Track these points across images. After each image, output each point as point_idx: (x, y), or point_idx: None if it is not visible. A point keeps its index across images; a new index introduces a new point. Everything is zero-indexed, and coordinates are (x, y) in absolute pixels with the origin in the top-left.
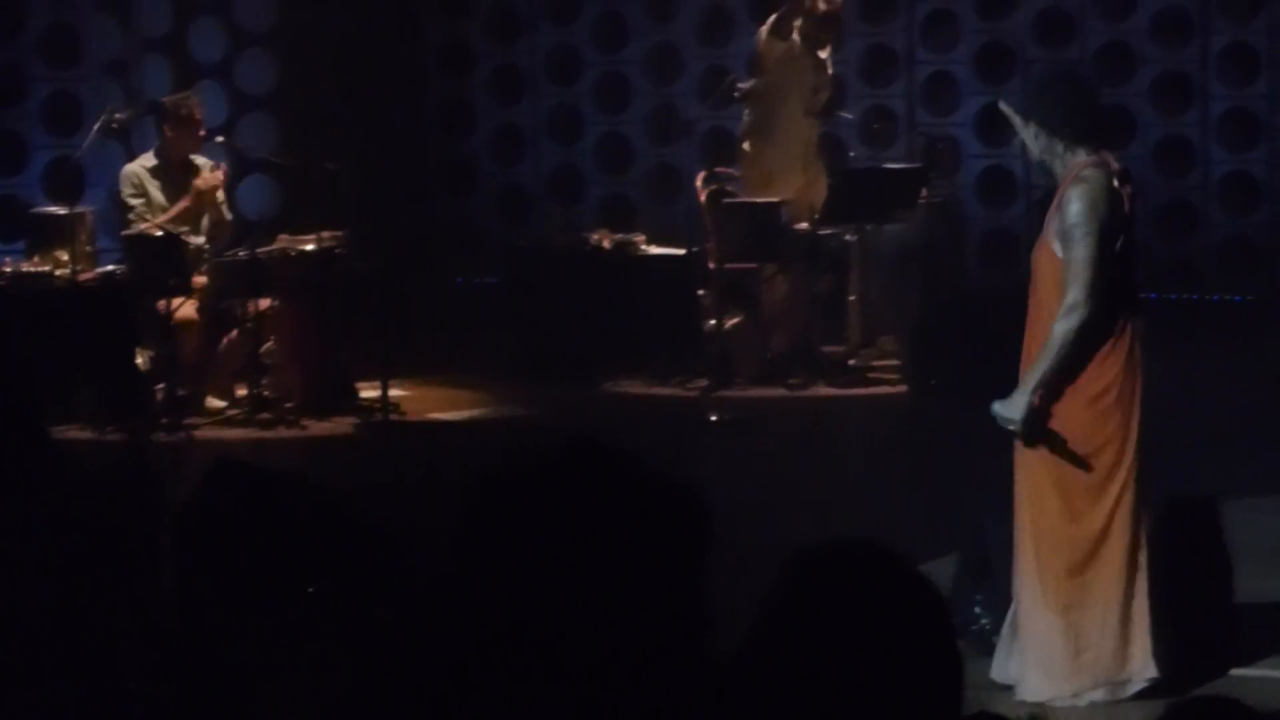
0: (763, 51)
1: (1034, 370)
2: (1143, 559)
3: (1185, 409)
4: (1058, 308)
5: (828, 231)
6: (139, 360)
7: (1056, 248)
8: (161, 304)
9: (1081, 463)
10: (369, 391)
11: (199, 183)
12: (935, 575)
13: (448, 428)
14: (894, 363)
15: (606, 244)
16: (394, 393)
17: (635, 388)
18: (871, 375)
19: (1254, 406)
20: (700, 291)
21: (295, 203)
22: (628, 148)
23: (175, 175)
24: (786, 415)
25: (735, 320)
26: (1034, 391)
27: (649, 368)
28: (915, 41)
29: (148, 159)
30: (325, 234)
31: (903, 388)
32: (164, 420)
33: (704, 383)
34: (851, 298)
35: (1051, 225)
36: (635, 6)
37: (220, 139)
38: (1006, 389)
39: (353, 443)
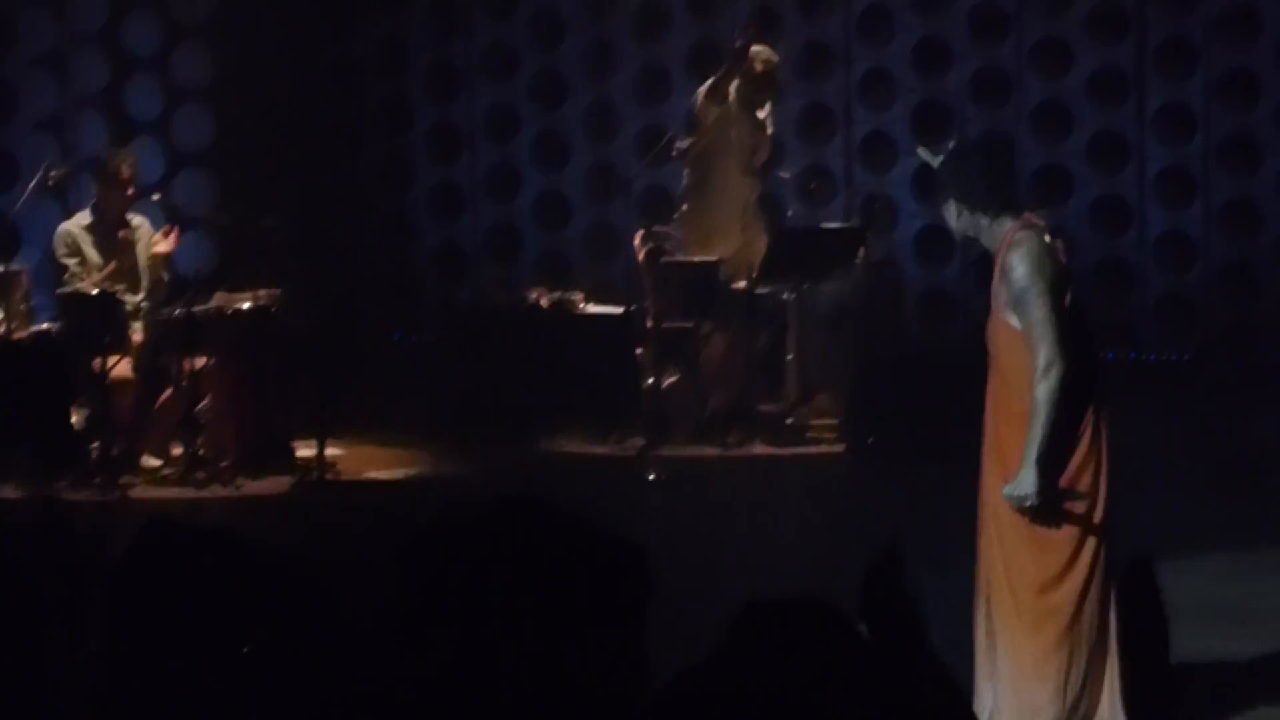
0: (700, 113)
1: (1030, 442)
2: (1113, 615)
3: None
4: (1021, 379)
5: (765, 290)
6: (74, 418)
7: (1011, 319)
8: (97, 362)
9: (1057, 519)
10: (305, 450)
11: (145, 250)
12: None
13: (384, 486)
14: (831, 421)
15: (544, 302)
16: (330, 451)
17: (572, 446)
18: (809, 434)
19: (1189, 465)
20: (638, 349)
21: (232, 260)
22: (565, 206)
23: (110, 233)
24: (724, 474)
25: (673, 379)
26: (1037, 463)
27: (586, 426)
28: (852, 100)
29: (83, 217)
30: (262, 291)
31: (840, 446)
32: (98, 479)
33: (641, 441)
34: (789, 356)
35: (1000, 298)
36: (573, 64)
37: (156, 196)
38: (944, 448)
39: (288, 502)
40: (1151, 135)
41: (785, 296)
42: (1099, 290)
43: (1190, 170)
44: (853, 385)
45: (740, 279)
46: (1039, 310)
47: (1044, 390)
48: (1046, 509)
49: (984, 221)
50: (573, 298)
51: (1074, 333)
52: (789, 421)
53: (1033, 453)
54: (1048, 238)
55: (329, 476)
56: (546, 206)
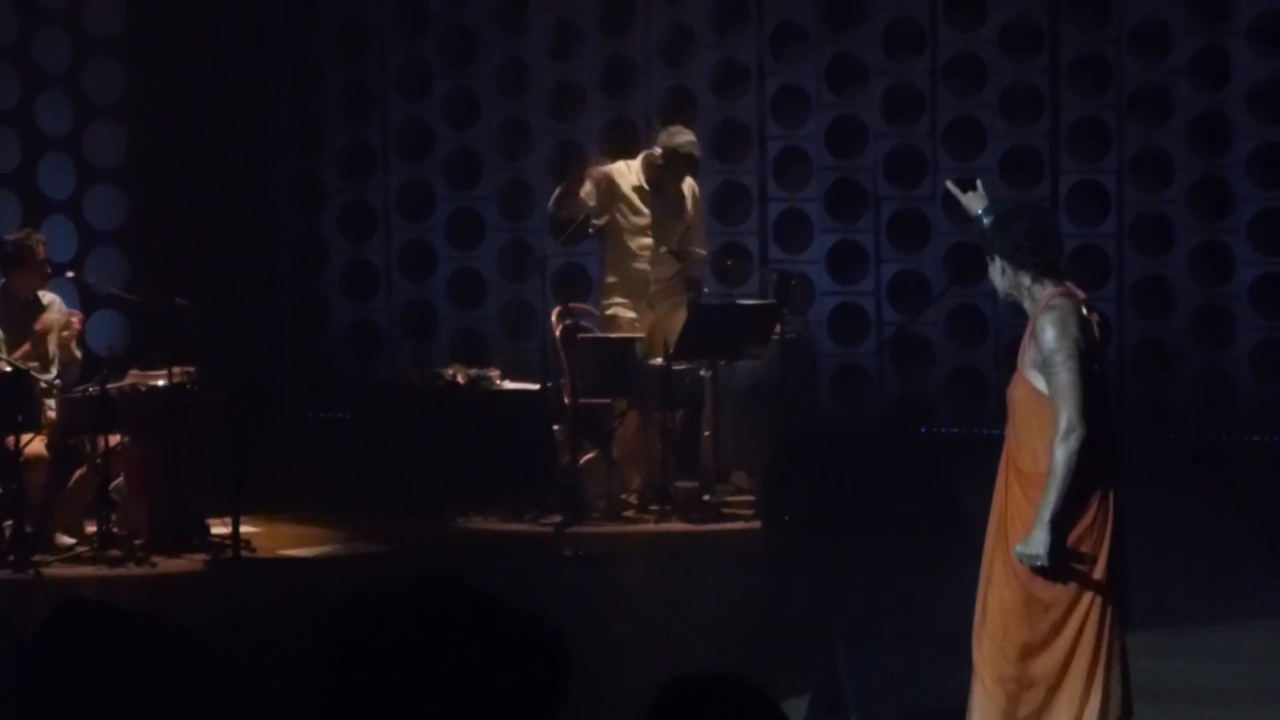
0: (618, 192)
1: (1045, 503)
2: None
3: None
4: (1036, 441)
5: (682, 367)
6: None
7: (1036, 380)
8: (10, 440)
9: (1054, 583)
10: (220, 528)
11: (57, 328)
12: (789, 712)
13: (300, 564)
14: (747, 498)
15: (461, 379)
16: (245, 529)
17: (489, 523)
18: (725, 510)
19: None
20: (555, 427)
21: (145, 338)
22: (480, 283)
23: (22, 313)
24: (641, 550)
25: (589, 455)
26: (1050, 523)
27: (503, 503)
28: (767, 178)
29: None
30: (176, 369)
31: (756, 523)
32: (12, 557)
33: (558, 518)
34: (706, 433)
35: (1026, 357)
36: (488, 143)
37: (70, 274)
38: (858, 523)
39: (203, 580)
40: (1065, 211)
41: (702, 373)
42: (1014, 368)
43: (1104, 248)
44: (768, 462)
45: (656, 355)
46: (1065, 375)
47: (1063, 453)
48: (1049, 571)
49: (1025, 282)
50: (489, 374)
51: (1096, 403)
52: (706, 498)
53: (1046, 514)
54: (1084, 310)
55: (244, 554)
56: (461, 284)
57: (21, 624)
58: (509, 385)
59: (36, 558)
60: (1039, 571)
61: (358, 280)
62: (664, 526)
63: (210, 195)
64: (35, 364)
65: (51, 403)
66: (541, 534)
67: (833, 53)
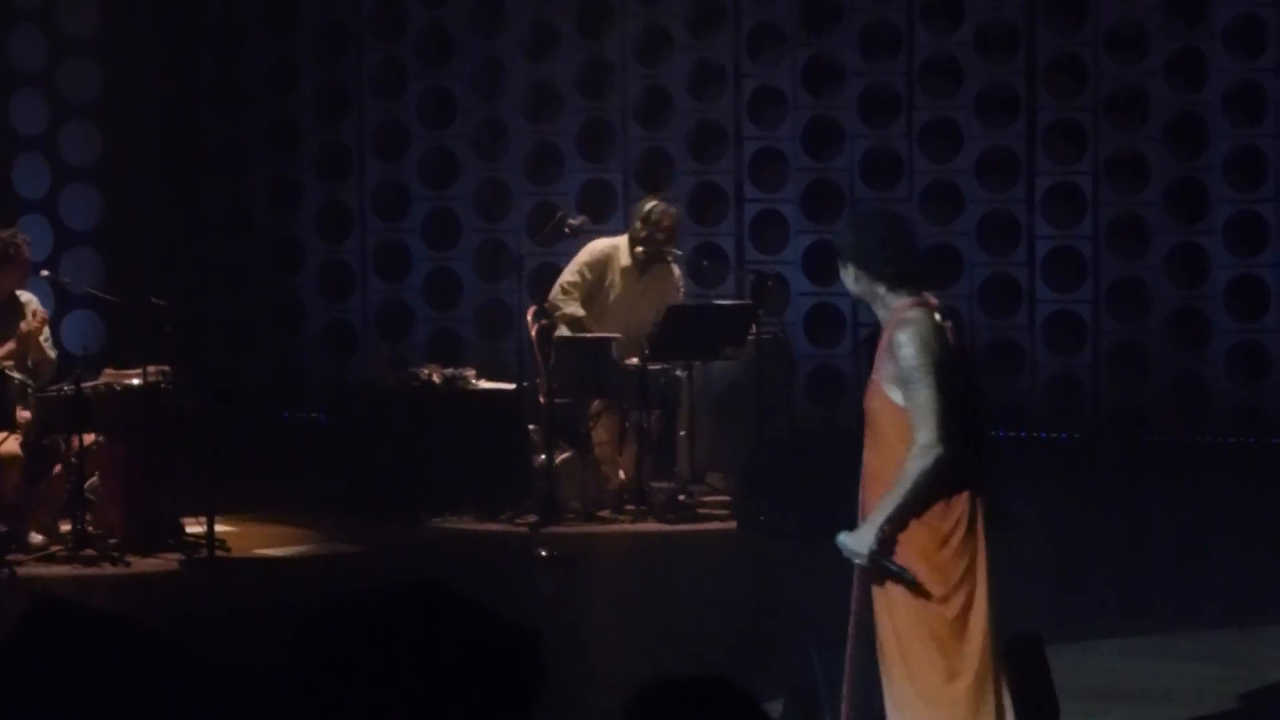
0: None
1: (882, 506)
2: (1006, 696)
3: (1012, 546)
4: (901, 450)
5: (658, 367)
6: None
7: (894, 394)
8: None
9: (939, 603)
10: (194, 527)
11: (23, 325)
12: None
13: (274, 564)
14: (723, 499)
15: (437, 379)
16: (220, 529)
17: (464, 523)
18: (701, 511)
19: (1080, 545)
20: (531, 426)
21: (120, 338)
22: (456, 283)
23: (1, 312)
24: (616, 551)
25: (565, 455)
26: (881, 526)
27: (478, 503)
28: (744, 179)
29: None
30: (151, 369)
31: (732, 524)
32: None
33: (533, 518)
34: (681, 433)
35: (884, 369)
36: (464, 143)
37: (45, 273)
38: (835, 525)
39: (178, 579)
40: (1042, 216)
41: (678, 374)
42: (990, 370)
43: (1080, 250)
44: (744, 462)
45: (633, 355)
46: (922, 391)
47: (915, 467)
48: (935, 610)
49: (880, 290)
50: (465, 374)
51: (960, 415)
52: (681, 499)
53: (880, 517)
54: (939, 318)
55: (218, 554)
56: (437, 284)
57: None
58: (485, 385)
59: (11, 557)
60: (932, 602)
61: (333, 280)
62: (640, 527)
63: (186, 195)
64: (10, 362)
65: (27, 402)
66: (517, 534)
67: (809, 54)
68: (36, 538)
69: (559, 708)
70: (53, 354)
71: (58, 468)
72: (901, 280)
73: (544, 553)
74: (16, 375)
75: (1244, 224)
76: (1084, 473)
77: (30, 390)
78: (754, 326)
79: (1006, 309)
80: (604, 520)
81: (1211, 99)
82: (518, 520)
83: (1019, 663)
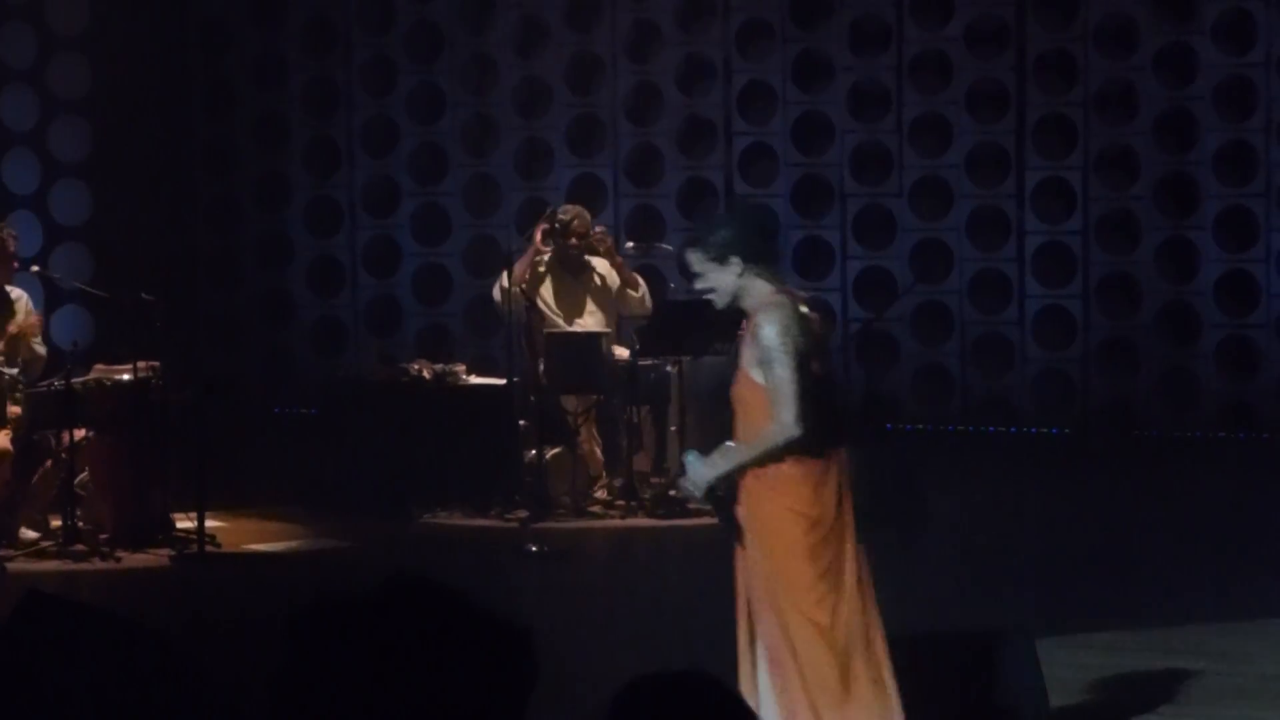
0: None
1: (731, 456)
2: (889, 681)
3: (1002, 541)
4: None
5: (648, 363)
6: None
7: (758, 376)
8: None
9: (806, 588)
10: (185, 523)
11: (13, 327)
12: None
13: (265, 559)
14: None
15: (427, 374)
16: (210, 524)
17: (454, 518)
18: (691, 506)
19: (1069, 539)
20: (521, 422)
21: (110, 333)
22: (446, 279)
23: None
24: (606, 546)
25: (555, 451)
26: (721, 472)
27: (468, 498)
28: (734, 175)
29: None
30: (141, 364)
31: None
32: None
33: (523, 514)
34: (672, 428)
35: (748, 354)
36: (453, 139)
37: (35, 268)
38: None
39: (168, 575)
40: (1032, 211)
41: (668, 368)
42: (980, 365)
43: (1070, 246)
44: None
45: (623, 351)
46: (782, 372)
47: (769, 440)
48: (810, 585)
49: (755, 282)
50: (456, 369)
51: (817, 403)
52: (671, 494)
53: (725, 462)
54: (803, 309)
55: (209, 549)
56: (426, 280)
57: None
58: (475, 380)
59: (1, 552)
60: (800, 587)
61: (323, 276)
62: (630, 522)
63: (175, 191)
64: (1, 358)
65: (16, 397)
66: (507, 529)
67: (799, 49)
68: (27, 533)
69: (550, 702)
70: (43, 351)
71: (48, 463)
72: (774, 270)
73: (534, 548)
74: (7, 371)
75: (1233, 219)
76: (1073, 468)
77: (20, 386)
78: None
79: (996, 304)
80: (594, 515)
81: (1201, 94)
82: (508, 515)
83: (1000, 657)
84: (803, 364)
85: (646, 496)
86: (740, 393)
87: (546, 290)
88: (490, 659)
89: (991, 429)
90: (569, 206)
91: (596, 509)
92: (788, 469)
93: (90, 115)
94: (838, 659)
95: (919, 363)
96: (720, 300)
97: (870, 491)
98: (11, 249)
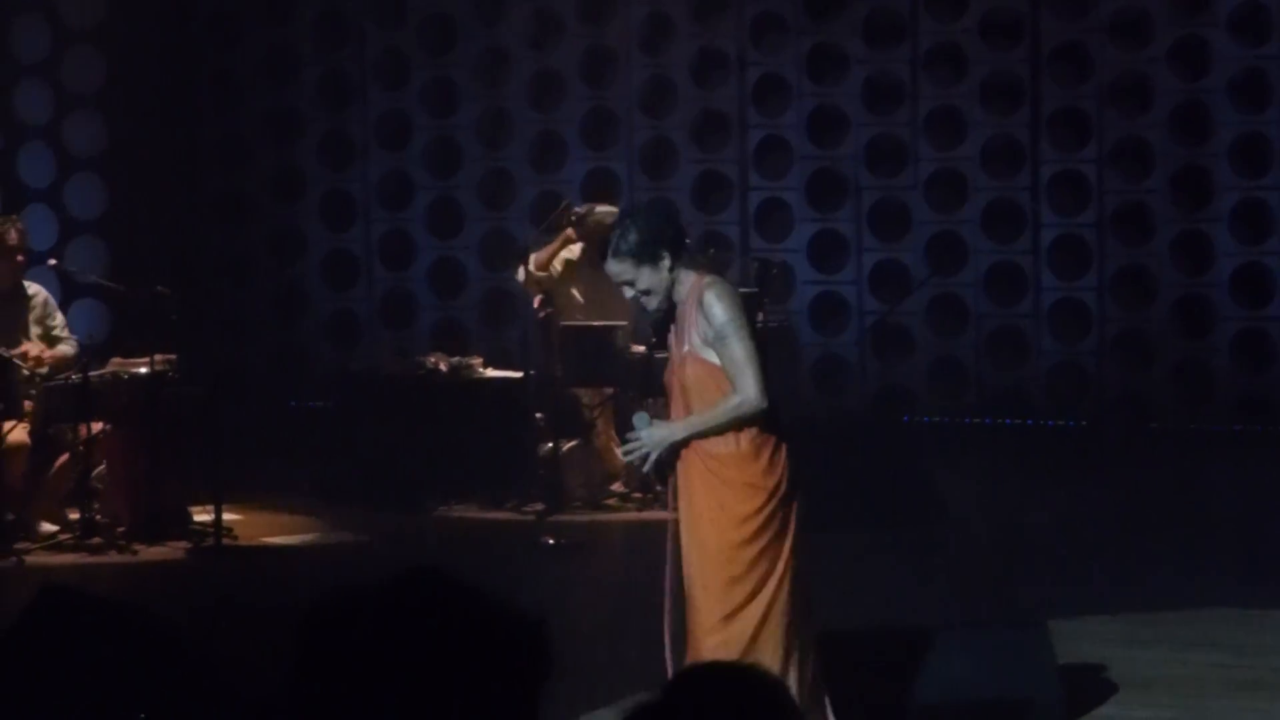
0: (529, 285)
1: (693, 423)
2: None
3: (1016, 533)
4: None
5: (664, 355)
6: None
7: (709, 355)
8: None
9: (751, 560)
10: (202, 515)
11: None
12: None
13: (281, 552)
14: None
15: (443, 367)
16: (227, 517)
17: (470, 511)
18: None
19: (1085, 532)
20: (537, 414)
21: (126, 326)
22: (461, 272)
23: (2, 300)
24: (622, 538)
25: (571, 443)
26: (684, 438)
27: (484, 491)
28: (748, 168)
29: None
30: (157, 357)
31: None
32: None
33: (539, 506)
34: None
35: (695, 336)
36: (468, 132)
37: (52, 262)
38: (838, 512)
39: (185, 567)
40: (1047, 202)
41: None
42: (995, 358)
43: (1084, 239)
44: None
45: (639, 343)
46: (739, 345)
47: (733, 409)
48: (741, 549)
49: (680, 273)
50: (472, 362)
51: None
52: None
53: (685, 429)
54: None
55: (226, 542)
56: (441, 273)
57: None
58: (490, 373)
59: (18, 545)
60: (743, 557)
61: (337, 270)
62: (646, 515)
63: (191, 184)
64: (17, 351)
65: (33, 391)
66: (523, 522)
67: (813, 42)
68: (44, 526)
69: (565, 695)
70: (73, 351)
71: (64, 456)
72: (682, 261)
73: (550, 540)
74: (25, 364)
75: (1249, 211)
76: (1088, 460)
77: (38, 380)
78: (759, 315)
79: (1011, 297)
80: (610, 508)
81: (1216, 86)
82: (524, 508)
83: (1025, 648)
84: (755, 337)
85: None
86: (690, 376)
87: (576, 288)
88: (504, 651)
89: (1006, 421)
90: (605, 208)
91: (612, 501)
92: (745, 444)
93: (105, 109)
94: (781, 635)
95: (934, 355)
96: (656, 300)
97: (886, 484)
98: (13, 241)
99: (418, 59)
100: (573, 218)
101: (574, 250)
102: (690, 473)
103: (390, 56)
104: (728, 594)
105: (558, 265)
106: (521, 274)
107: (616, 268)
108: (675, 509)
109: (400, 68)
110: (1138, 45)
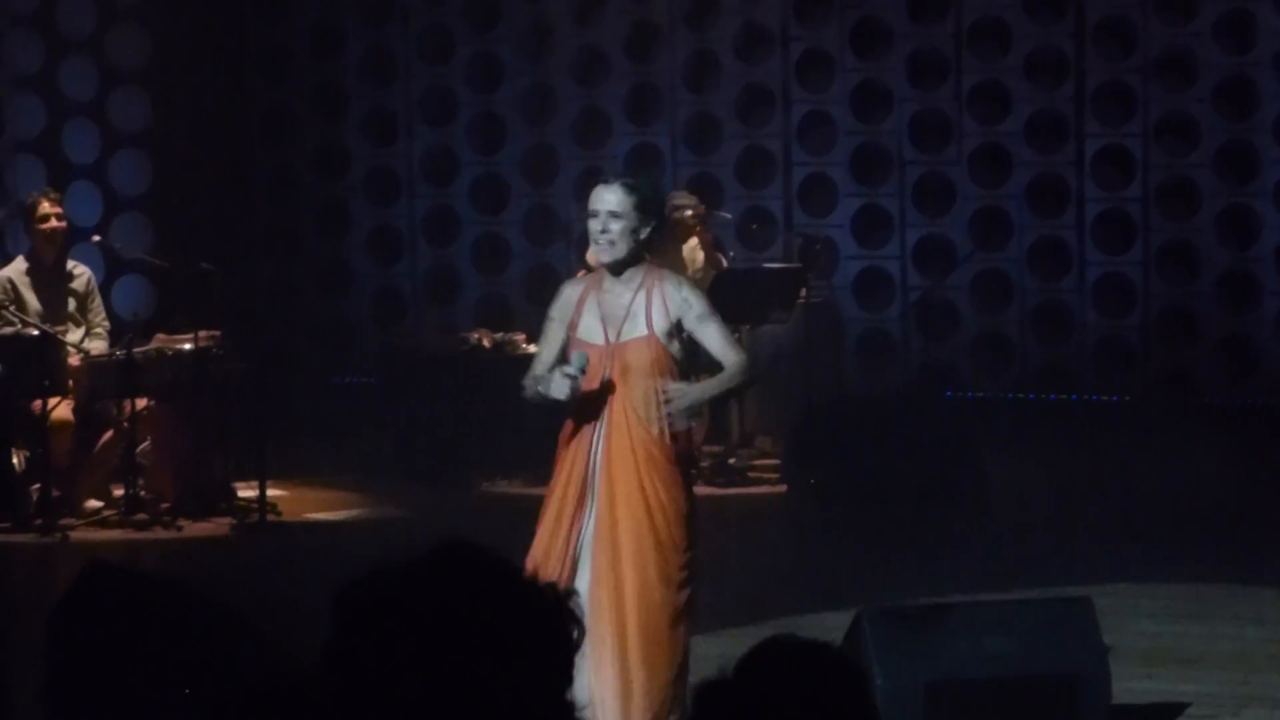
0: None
1: (710, 386)
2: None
3: (1062, 508)
4: (660, 408)
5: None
6: (14, 461)
7: (671, 346)
8: (37, 405)
9: (686, 534)
10: (246, 492)
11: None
12: None
13: (326, 528)
14: (772, 462)
15: (487, 343)
16: (271, 493)
17: (514, 487)
18: (751, 475)
19: (1130, 507)
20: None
21: (170, 303)
22: (505, 248)
23: (47, 276)
24: None
25: None
26: (707, 398)
27: (528, 467)
28: (792, 143)
29: (20, 263)
30: (201, 334)
31: (782, 487)
32: (39, 521)
33: None
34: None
35: (656, 320)
36: (512, 108)
37: (96, 239)
38: (883, 488)
39: (229, 543)
40: (1091, 177)
41: None
42: (1039, 333)
43: (1129, 213)
44: (793, 426)
45: None
46: (715, 323)
47: (736, 374)
48: (676, 521)
49: (640, 246)
50: (515, 338)
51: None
52: (731, 462)
53: (706, 394)
54: None
55: (270, 518)
56: (485, 249)
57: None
58: (534, 349)
59: (63, 522)
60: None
61: (382, 245)
62: None
63: (234, 160)
64: (63, 327)
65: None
66: None
67: (857, 16)
68: (89, 503)
69: None
70: (105, 345)
71: (109, 433)
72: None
73: None
74: (81, 346)
75: None
76: (1133, 435)
77: (82, 355)
78: (803, 290)
79: (1056, 272)
80: None
81: (1261, 59)
82: None
83: (1072, 622)
84: None
85: (704, 464)
86: (648, 358)
87: None
88: (536, 620)
89: (1051, 397)
90: (684, 194)
91: None
92: (694, 432)
93: (150, 85)
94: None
95: (978, 331)
96: (612, 254)
97: (929, 460)
98: (45, 211)
99: (462, 34)
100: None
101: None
102: (620, 451)
103: (434, 32)
104: (670, 563)
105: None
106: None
107: (614, 197)
108: (576, 486)
109: (444, 43)
110: (1183, 19)
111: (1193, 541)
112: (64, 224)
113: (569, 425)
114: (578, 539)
